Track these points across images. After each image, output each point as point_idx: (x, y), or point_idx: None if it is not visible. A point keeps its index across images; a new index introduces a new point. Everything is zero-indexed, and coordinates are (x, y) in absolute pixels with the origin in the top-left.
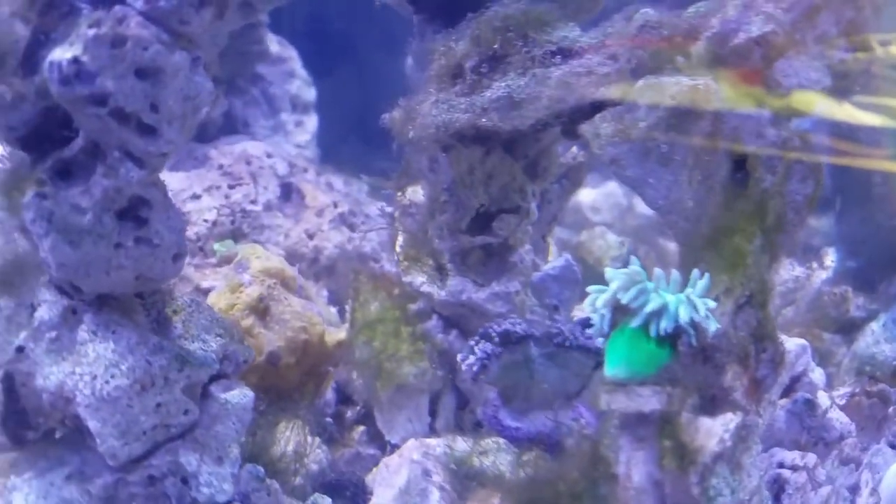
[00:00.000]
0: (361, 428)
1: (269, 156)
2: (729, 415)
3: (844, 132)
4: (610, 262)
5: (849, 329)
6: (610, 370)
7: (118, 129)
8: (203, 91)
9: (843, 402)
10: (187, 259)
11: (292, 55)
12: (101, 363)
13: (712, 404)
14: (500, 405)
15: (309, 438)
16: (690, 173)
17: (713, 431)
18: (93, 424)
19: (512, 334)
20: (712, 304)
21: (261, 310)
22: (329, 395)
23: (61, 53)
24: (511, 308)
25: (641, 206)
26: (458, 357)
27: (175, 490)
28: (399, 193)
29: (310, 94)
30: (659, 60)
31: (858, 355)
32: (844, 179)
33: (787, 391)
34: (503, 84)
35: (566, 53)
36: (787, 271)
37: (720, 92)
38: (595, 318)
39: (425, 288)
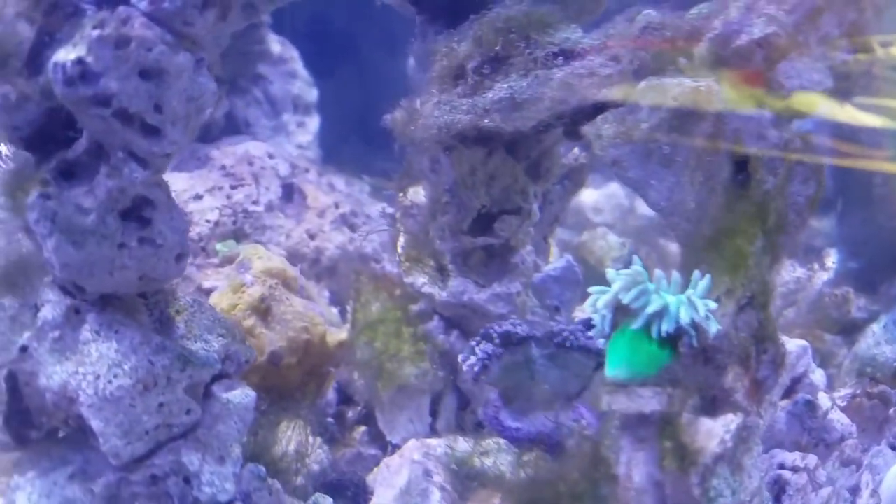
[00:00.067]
0: (362, 428)
1: (270, 156)
2: (730, 416)
3: (846, 133)
4: (611, 262)
5: (850, 330)
6: (611, 371)
7: (122, 130)
8: (206, 92)
9: (843, 403)
10: (190, 259)
11: (294, 56)
12: (104, 363)
13: (713, 405)
14: (500, 406)
15: (310, 438)
16: (692, 174)
17: (714, 432)
18: (96, 424)
19: (513, 335)
20: (713, 305)
21: (262, 310)
22: (330, 395)
23: (65, 54)
24: (512, 309)
25: (643, 207)
26: (460, 358)
27: (177, 489)
28: (400, 194)
29: (311, 94)
30: (661, 62)
31: (859, 357)
32: (846, 181)
33: (787, 392)
34: (505, 85)
35: (568, 55)
36: (789, 272)
37: (722, 93)
38: (596, 319)
39: (427, 289)
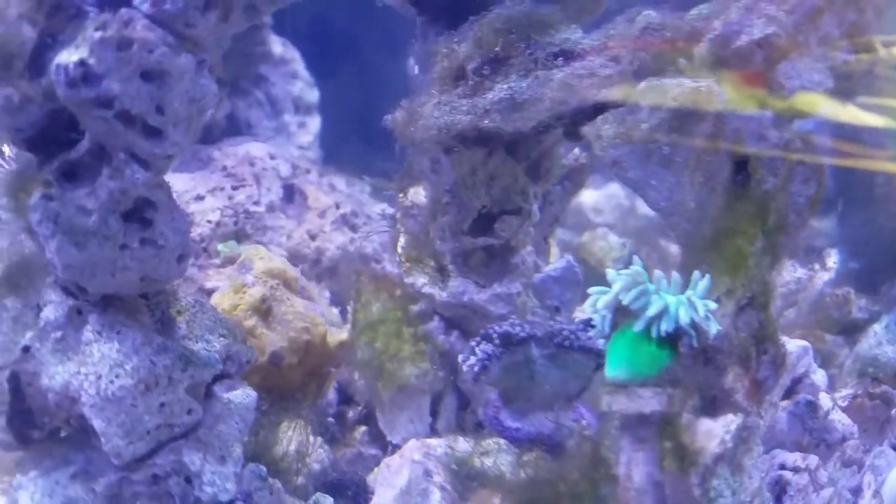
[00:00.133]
0: (363, 428)
1: (272, 157)
2: (730, 416)
3: (848, 133)
4: (612, 263)
5: (851, 331)
6: (611, 371)
7: (124, 132)
8: (208, 93)
9: (845, 403)
10: (191, 260)
11: (295, 57)
12: (105, 363)
13: (713, 406)
14: (501, 406)
15: (311, 438)
16: (692, 175)
17: (714, 433)
18: (97, 424)
19: (513, 335)
20: (713, 305)
21: (263, 310)
22: (331, 395)
23: (68, 56)
24: (512, 309)
25: (643, 208)
26: (460, 358)
27: (179, 489)
28: (401, 195)
29: (312, 95)
30: (661, 62)
31: (861, 357)
32: (847, 181)
33: (788, 393)
34: (505, 86)
35: (568, 55)
36: (789, 273)
37: (722, 94)
38: (596, 320)
39: (427, 289)
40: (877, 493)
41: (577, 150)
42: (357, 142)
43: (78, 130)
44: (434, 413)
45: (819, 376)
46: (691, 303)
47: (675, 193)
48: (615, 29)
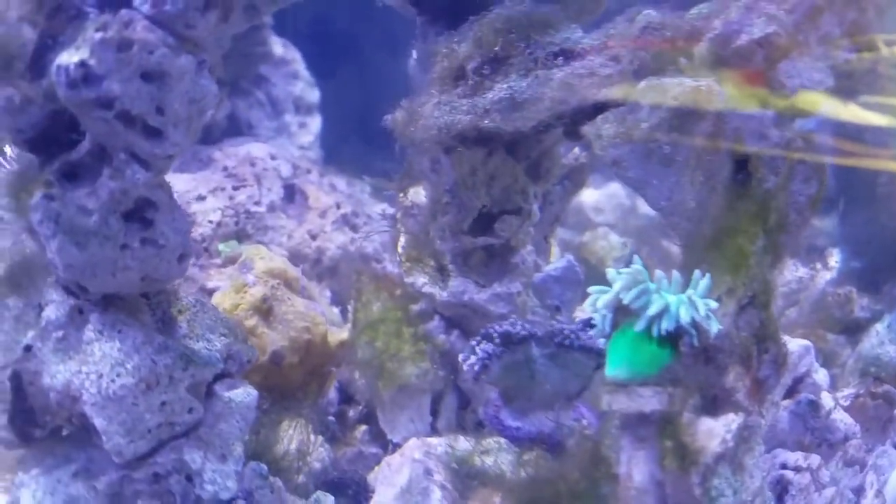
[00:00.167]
0: (364, 427)
1: (272, 157)
2: (731, 415)
3: (850, 133)
4: (612, 262)
5: (853, 330)
6: (611, 371)
7: (124, 132)
8: (208, 94)
9: (847, 403)
10: (192, 260)
11: (296, 57)
12: (106, 362)
13: (714, 405)
14: (501, 405)
15: (312, 437)
16: (693, 174)
17: (715, 432)
18: (99, 422)
19: (513, 335)
20: (714, 304)
21: (264, 310)
22: (332, 394)
23: (68, 57)
24: (513, 309)
25: (644, 207)
26: (460, 357)
27: (180, 487)
28: (401, 194)
29: (313, 95)
30: (661, 62)
31: (863, 356)
32: (849, 180)
33: (790, 392)
34: (505, 86)
35: (568, 55)
36: (791, 272)
37: (723, 93)
38: (597, 319)
39: (427, 289)
40: (879, 493)
41: (577, 150)
42: (357, 142)
43: (79, 131)
44: (435, 412)
45: (821, 376)
46: (692, 302)
47: (676, 192)
48: (615, 28)
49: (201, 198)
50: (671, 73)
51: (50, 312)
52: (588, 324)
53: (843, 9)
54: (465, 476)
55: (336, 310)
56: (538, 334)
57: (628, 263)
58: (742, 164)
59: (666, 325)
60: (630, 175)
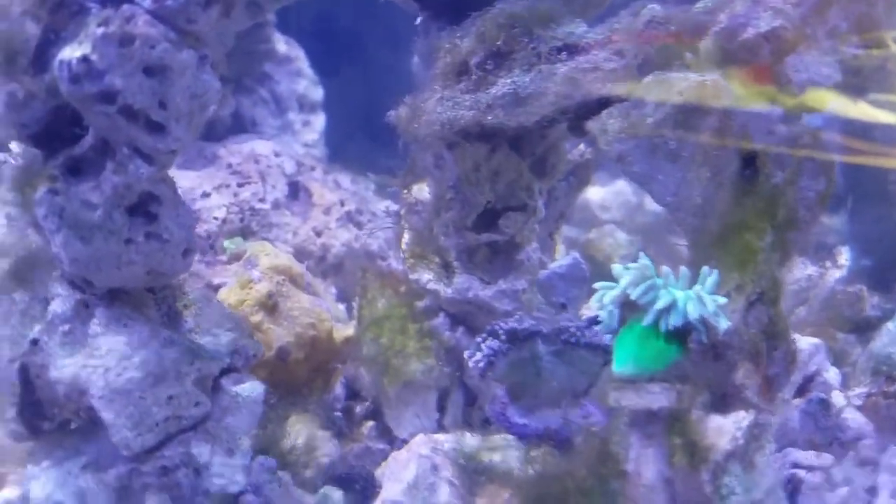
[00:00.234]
0: (370, 423)
1: (276, 154)
2: (741, 413)
3: (858, 130)
4: (619, 260)
5: (863, 329)
6: (618, 367)
7: (127, 127)
8: (210, 89)
9: (859, 402)
10: (198, 256)
11: (299, 55)
12: (113, 356)
13: (724, 402)
14: (507, 402)
15: (319, 432)
16: (699, 170)
17: (725, 429)
18: (106, 416)
19: (519, 332)
20: (722, 300)
21: (270, 306)
22: (338, 390)
23: (71, 52)
24: (518, 306)
25: (651, 205)
26: (465, 354)
27: (188, 480)
28: (405, 191)
29: (317, 93)
30: (666, 56)
31: (875, 355)
32: (858, 177)
33: (801, 391)
34: (508, 81)
35: (572, 49)
36: (800, 270)
37: (729, 88)
38: (603, 315)
39: (432, 285)
40: (895, 494)
41: (582, 146)
42: (362, 139)
43: (82, 126)
44: (441, 409)
45: (832, 374)
46: (700, 298)
47: (682, 188)
48: (619, 23)
49: (206, 195)
50: (676, 67)
51: (56, 306)
52: (594, 321)
53: (851, 3)
54: (472, 472)
55: (341, 306)
56: (544, 331)
57: (635, 261)
58: (749, 160)
59: (673, 320)
60: (635, 170)
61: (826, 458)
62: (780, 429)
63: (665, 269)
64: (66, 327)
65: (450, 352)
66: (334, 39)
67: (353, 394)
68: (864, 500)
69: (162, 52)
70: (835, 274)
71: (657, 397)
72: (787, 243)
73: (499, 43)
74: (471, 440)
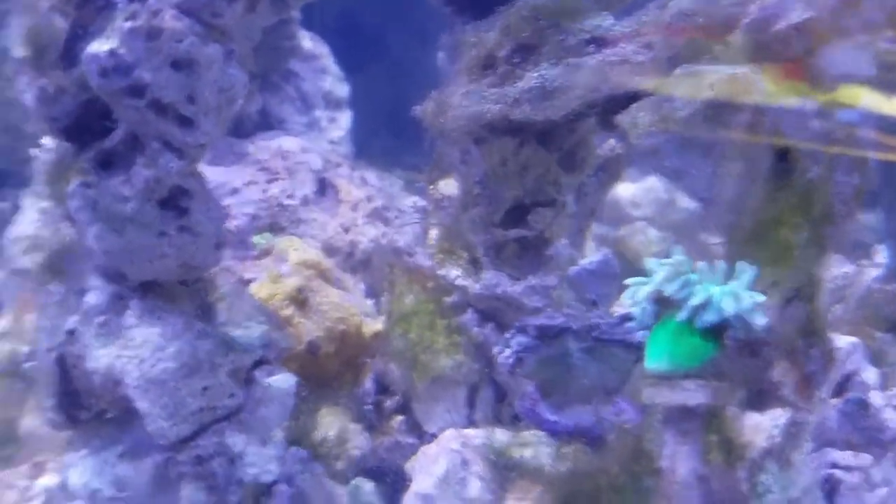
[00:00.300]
0: (400, 417)
1: (304, 151)
2: (778, 410)
3: (893, 126)
4: (650, 258)
5: None
6: (651, 362)
7: (156, 121)
8: (237, 83)
9: None
10: (229, 251)
11: (324, 51)
12: (148, 347)
13: (760, 399)
14: (538, 399)
15: (350, 425)
16: (732, 164)
17: (761, 427)
18: (142, 405)
19: (549, 328)
20: (760, 297)
21: (300, 300)
22: (368, 384)
23: (98, 46)
24: (548, 302)
25: (683, 201)
26: (494, 350)
27: (222, 470)
28: (431, 187)
29: (342, 90)
30: (695, 49)
31: None
32: (893, 174)
33: (838, 390)
34: (535, 74)
35: (600, 42)
36: (837, 267)
37: (760, 81)
38: (636, 311)
39: (460, 281)
40: None
41: (612, 141)
42: (387, 136)
43: (112, 119)
44: (470, 404)
45: (871, 374)
46: (736, 294)
47: (716, 183)
48: (647, 15)
49: (235, 191)
50: (706, 61)
51: (91, 298)
52: (627, 318)
53: None
54: (502, 468)
55: (369, 302)
56: (575, 328)
57: (667, 258)
58: (783, 154)
59: (709, 316)
60: (667, 164)
61: (864, 459)
62: (817, 428)
63: (701, 263)
64: (102, 319)
65: (479, 348)
66: (359, 36)
67: (382, 388)
68: None
69: (189, 46)
70: (871, 272)
71: (692, 394)
72: (823, 239)
73: (525, 36)
74: (501, 436)
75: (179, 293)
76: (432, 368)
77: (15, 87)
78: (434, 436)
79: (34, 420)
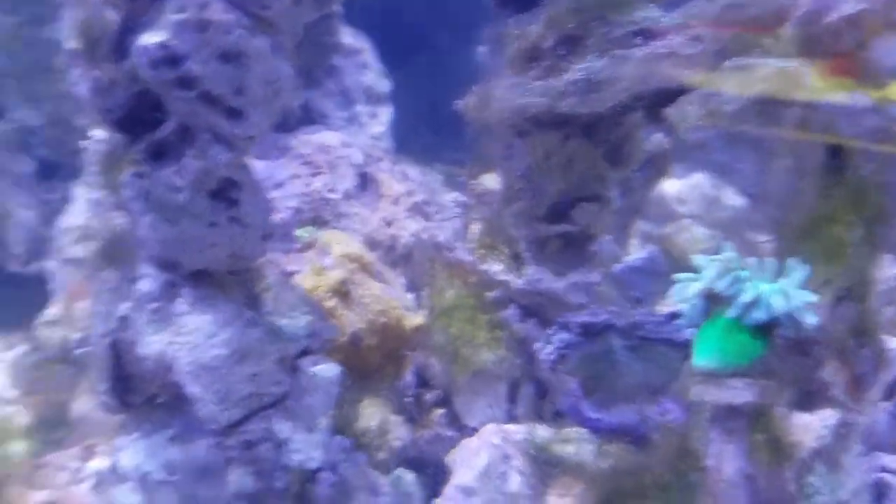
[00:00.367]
0: (440, 410)
1: (345, 145)
2: (827, 411)
3: None
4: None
5: None
6: (699, 360)
7: (206, 112)
8: (284, 75)
9: None
10: (274, 243)
11: (366, 47)
12: (199, 334)
13: (809, 399)
14: (580, 396)
15: (391, 416)
16: (782, 159)
17: (811, 427)
18: (193, 390)
19: (592, 325)
20: (811, 296)
21: (343, 293)
22: (408, 377)
23: (149, 38)
24: (591, 299)
25: (729, 198)
26: (536, 346)
27: (269, 455)
28: (473, 181)
29: (383, 85)
30: (745, 42)
31: None
32: None
33: (889, 393)
34: (581, 66)
35: (647, 34)
36: (888, 269)
37: (811, 75)
38: (685, 308)
39: (502, 276)
40: None
41: (659, 136)
42: (427, 132)
43: (163, 111)
44: (511, 399)
45: None
46: (787, 292)
47: (765, 178)
48: (696, 7)
49: (279, 185)
50: (756, 54)
51: (143, 286)
52: (674, 316)
53: None
54: (543, 463)
55: (410, 296)
56: (619, 325)
57: (713, 255)
58: (835, 150)
59: (759, 314)
60: (715, 159)
61: None
62: (866, 431)
63: (752, 259)
64: (154, 306)
65: (520, 343)
66: (401, 31)
67: (422, 381)
68: None
69: (237, 38)
70: None
71: (740, 392)
72: (875, 238)
73: (570, 27)
74: (542, 431)
75: (229, 282)
76: (473, 363)
77: (68, 80)
78: (474, 430)
79: (85, 404)
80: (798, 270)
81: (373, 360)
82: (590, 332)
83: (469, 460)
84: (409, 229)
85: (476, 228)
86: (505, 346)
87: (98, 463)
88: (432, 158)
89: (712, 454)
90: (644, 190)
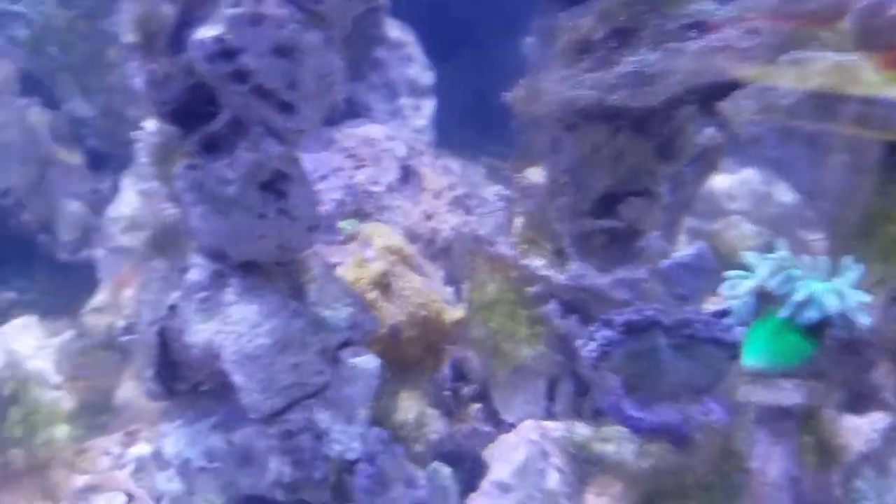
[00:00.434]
0: (478, 405)
1: (389, 139)
2: (878, 414)
3: None
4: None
5: None
6: (749, 359)
7: (259, 106)
8: (336, 69)
9: None
10: (319, 236)
11: (411, 40)
12: (245, 323)
13: (859, 402)
14: (623, 394)
15: (428, 410)
16: (838, 155)
17: (860, 430)
18: (237, 379)
19: (637, 323)
20: (865, 296)
21: (384, 285)
22: (446, 371)
23: (205, 32)
24: (636, 295)
25: (780, 195)
26: (578, 343)
27: (309, 445)
28: (517, 175)
29: (427, 78)
30: (803, 35)
31: None
32: None
33: None
34: (633, 59)
35: (702, 27)
36: None
37: (870, 70)
38: (736, 306)
39: (544, 271)
40: None
41: (711, 130)
42: (470, 126)
43: (216, 104)
44: (550, 396)
45: None
46: (840, 291)
47: (820, 175)
48: (751, 0)
49: (323, 177)
50: (814, 47)
51: (193, 275)
52: (722, 314)
53: None
54: (582, 461)
55: (449, 289)
56: (665, 323)
57: (762, 253)
58: (893, 147)
59: (811, 314)
60: (769, 154)
61: None
62: None
63: (806, 257)
64: (203, 295)
65: (561, 339)
66: (446, 24)
67: (460, 375)
68: None
69: (291, 33)
70: None
71: (789, 393)
72: None
73: (622, 20)
74: (581, 429)
75: (275, 273)
76: (513, 358)
77: (121, 72)
78: (512, 425)
79: (129, 390)
80: (852, 269)
81: (412, 353)
82: (634, 329)
83: (506, 456)
84: (449, 223)
85: (519, 222)
86: (545, 342)
87: (139, 449)
88: (473, 153)
89: (758, 455)
90: (695, 185)
